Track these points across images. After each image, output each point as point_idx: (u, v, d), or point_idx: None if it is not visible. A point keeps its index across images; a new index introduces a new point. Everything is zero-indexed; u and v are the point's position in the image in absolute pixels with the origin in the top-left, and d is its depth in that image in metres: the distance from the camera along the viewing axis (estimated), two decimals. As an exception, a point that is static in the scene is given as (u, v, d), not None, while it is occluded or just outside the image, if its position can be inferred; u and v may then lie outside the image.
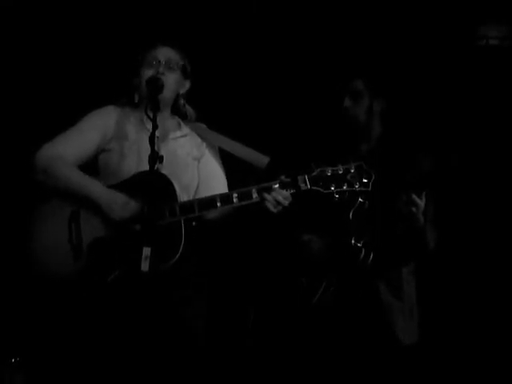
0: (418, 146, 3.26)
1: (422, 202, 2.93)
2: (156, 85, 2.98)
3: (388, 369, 3.09)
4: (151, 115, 2.88)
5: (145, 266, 2.66)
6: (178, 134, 3.19)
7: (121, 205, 2.90)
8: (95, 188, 2.96)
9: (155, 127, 2.83)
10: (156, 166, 2.82)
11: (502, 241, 3.95)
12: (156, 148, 2.84)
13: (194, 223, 3.08)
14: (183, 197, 3.05)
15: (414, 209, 2.93)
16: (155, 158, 2.80)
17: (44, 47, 4.03)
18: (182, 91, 3.22)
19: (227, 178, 3.22)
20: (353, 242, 3.09)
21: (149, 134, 2.86)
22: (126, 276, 2.85)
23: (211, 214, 3.06)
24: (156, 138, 2.90)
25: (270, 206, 2.84)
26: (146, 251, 2.67)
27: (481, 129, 3.95)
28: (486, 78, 3.99)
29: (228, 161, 3.25)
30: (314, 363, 3.12)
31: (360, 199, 3.07)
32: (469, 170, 3.34)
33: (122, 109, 3.18)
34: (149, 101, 2.99)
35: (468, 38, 4.03)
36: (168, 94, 3.10)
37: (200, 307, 3.05)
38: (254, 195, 2.86)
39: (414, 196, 2.92)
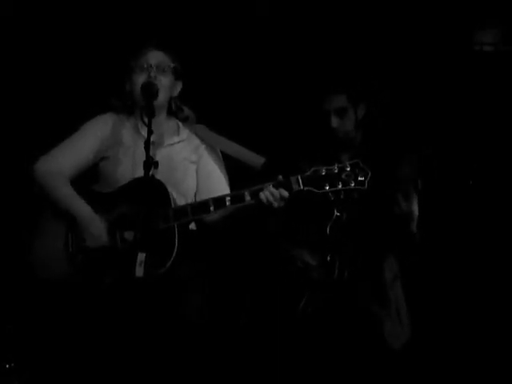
0: (406, 148, 3.27)
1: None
2: (151, 91, 2.99)
3: (379, 374, 3.10)
4: (146, 121, 2.89)
5: (139, 272, 2.68)
6: (176, 139, 3.19)
7: (94, 235, 2.95)
8: (79, 210, 3.01)
9: (150, 133, 2.84)
10: (151, 172, 2.83)
11: (492, 240, 3.94)
12: (151, 154, 2.85)
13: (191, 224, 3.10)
14: (181, 202, 3.05)
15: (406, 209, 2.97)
16: (150, 163, 2.82)
17: (36, 56, 4.06)
18: (175, 93, 3.21)
19: (231, 178, 3.22)
20: (328, 258, 3.10)
21: (144, 139, 2.88)
22: (121, 282, 2.87)
23: (209, 217, 3.05)
24: (151, 144, 2.90)
25: (265, 203, 2.80)
26: (141, 257, 2.69)
27: (477, 132, 3.96)
28: (481, 84, 3.99)
29: (232, 161, 3.25)
30: (304, 373, 3.13)
31: (337, 213, 3.08)
32: (461, 174, 3.34)
33: (117, 116, 3.20)
34: (144, 107, 2.99)
35: (463, 43, 4.03)
36: (161, 97, 3.09)
37: (197, 308, 3.07)
38: (247, 198, 2.85)
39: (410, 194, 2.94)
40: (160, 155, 3.05)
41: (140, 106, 3.10)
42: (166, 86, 3.12)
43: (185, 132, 3.23)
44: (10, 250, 3.21)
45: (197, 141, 3.22)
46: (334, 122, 3.21)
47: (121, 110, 3.20)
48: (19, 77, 4.03)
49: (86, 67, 4.04)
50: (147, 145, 2.82)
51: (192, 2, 4.07)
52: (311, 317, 3.12)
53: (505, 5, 3.89)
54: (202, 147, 3.21)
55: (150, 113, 2.92)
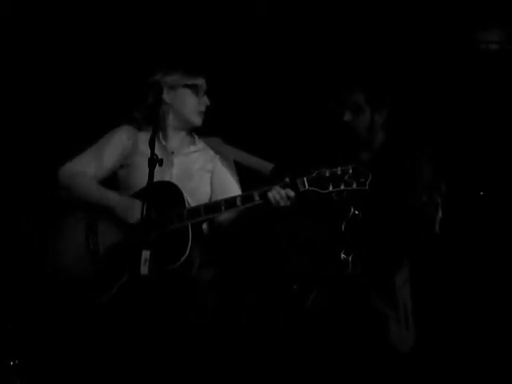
0: (420, 153, 3.25)
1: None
2: (158, 88, 3.20)
3: (385, 377, 3.08)
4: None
5: (144, 270, 2.74)
6: (192, 149, 3.38)
7: (136, 209, 3.07)
8: (113, 197, 3.20)
9: (156, 130, 3.00)
10: (155, 169, 2.92)
11: (500, 244, 3.94)
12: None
13: (204, 226, 3.24)
14: None
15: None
16: (155, 161, 2.92)
17: (56, 61, 4.15)
18: None
19: (243, 184, 3.37)
20: (342, 255, 3.11)
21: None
22: (132, 280, 2.99)
23: (220, 219, 3.22)
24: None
25: (273, 202, 2.95)
26: (145, 255, 2.75)
27: (482, 133, 3.96)
28: (487, 83, 4.00)
29: (246, 172, 3.43)
30: (307, 373, 3.11)
31: (353, 210, 3.11)
32: (468, 176, 3.35)
33: (136, 127, 3.37)
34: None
35: (468, 42, 4.04)
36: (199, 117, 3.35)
37: (205, 307, 3.17)
38: (256, 198, 3.00)
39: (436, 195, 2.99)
40: (177, 163, 3.29)
41: (165, 119, 3.30)
42: None
43: (200, 143, 3.43)
44: (8, 249, 3.18)
45: (212, 152, 3.42)
46: (347, 115, 3.23)
47: (140, 122, 3.36)
48: (39, 88, 4.12)
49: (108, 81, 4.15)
50: (152, 142, 2.93)
51: (192, 3, 4.08)
52: (317, 315, 3.11)
53: (509, 4, 3.89)
54: (217, 158, 3.40)
55: (158, 109, 3.17)
